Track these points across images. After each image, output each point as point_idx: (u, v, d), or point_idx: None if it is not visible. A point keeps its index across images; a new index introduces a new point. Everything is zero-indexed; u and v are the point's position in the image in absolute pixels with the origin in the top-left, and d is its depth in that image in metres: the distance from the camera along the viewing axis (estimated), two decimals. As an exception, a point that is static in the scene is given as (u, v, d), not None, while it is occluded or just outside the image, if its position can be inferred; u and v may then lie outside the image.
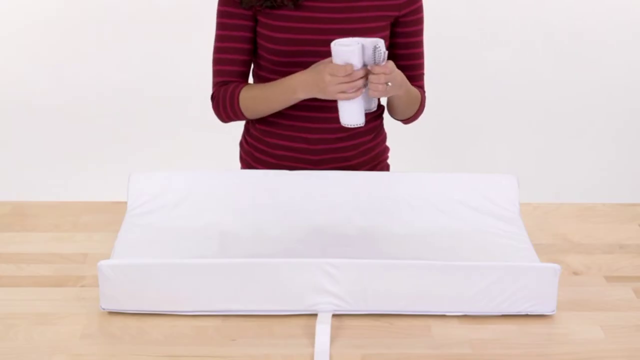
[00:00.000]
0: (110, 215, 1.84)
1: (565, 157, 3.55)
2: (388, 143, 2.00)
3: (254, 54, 1.82)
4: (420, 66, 1.87)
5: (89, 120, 3.49)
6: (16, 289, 1.59)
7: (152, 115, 3.47)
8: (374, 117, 1.90)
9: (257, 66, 1.84)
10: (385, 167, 2.00)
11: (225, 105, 1.79)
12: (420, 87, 1.88)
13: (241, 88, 1.78)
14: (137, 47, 3.46)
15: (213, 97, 1.82)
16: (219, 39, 1.79)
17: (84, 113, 3.49)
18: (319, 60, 1.73)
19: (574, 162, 3.54)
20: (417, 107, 1.86)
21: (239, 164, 2.01)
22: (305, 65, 1.75)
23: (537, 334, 1.48)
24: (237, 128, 2.03)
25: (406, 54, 1.83)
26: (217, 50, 1.79)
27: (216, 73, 1.81)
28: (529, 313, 1.51)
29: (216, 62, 1.80)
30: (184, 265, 1.48)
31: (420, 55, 1.85)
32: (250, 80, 1.88)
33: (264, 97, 1.76)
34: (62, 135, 3.47)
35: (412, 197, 1.75)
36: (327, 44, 1.72)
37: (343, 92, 1.63)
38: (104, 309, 1.50)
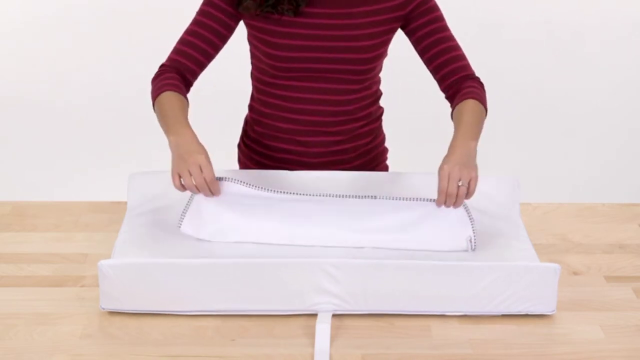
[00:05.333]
0: (110, 215, 1.84)
1: (565, 157, 3.55)
2: (387, 144, 2.00)
3: (254, 57, 1.83)
4: (455, 47, 1.78)
5: (89, 121, 3.49)
6: (16, 289, 1.59)
7: (153, 115, 3.47)
8: (374, 120, 1.90)
9: (257, 70, 1.83)
10: (384, 169, 1.99)
11: (152, 90, 1.75)
12: (467, 70, 1.78)
13: (169, 90, 1.71)
14: (138, 47, 3.46)
15: (158, 72, 1.77)
16: (195, 22, 1.76)
17: (84, 113, 3.49)
18: (320, 67, 1.74)
19: (574, 162, 3.54)
20: (485, 111, 1.75)
21: (237, 166, 2.01)
22: (306, 71, 1.75)
23: (537, 334, 1.48)
24: (235, 130, 2.03)
25: (433, 41, 1.76)
26: (189, 32, 1.76)
27: (176, 50, 1.77)
28: (528, 313, 1.51)
29: (182, 41, 1.77)
30: (184, 265, 1.48)
31: (449, 38, 1.77)
32: (247, 81, 1.89)
33: (161, 117, 1.70)
34: (63, 135, 3.47)
35: (412, 197, 1.75)
36: (328, 49, 1.73)
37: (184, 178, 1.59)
38: (103, 308, 1.50)
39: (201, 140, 1.62)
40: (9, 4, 3.42)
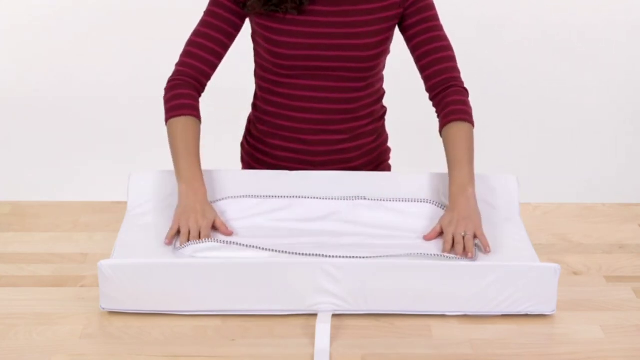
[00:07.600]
0: (110, 215, 1.84)
1: (565, 157, 3.55)
2: (389, 144, 2.00)
3: (257, 55, 1.83)
4: (445, 48, 1.77)
5: (89, 120, 3.49)
6: (16, 289, 1.59)
7: (153, 115, 3.46)
8: (377, 119, 1.90)
9: (260, 68, 1.83)
10: (387, 168, 1.99)
11: (167, 104, 1.74)
12: (452, 72, 1.78)
13: (185, 115, 1.71)
14: (138, 46, 3.46)
15: (173, 81, 1.76)
16: (203, 23, 1.76)
17: (84, 113, 3.49)
18: (323, 65, 1.74)
19: (574, 162, 3.54)
20: (473, 138, 1.75)
21: (240, 165, 2.01)
22: (309, 69, 1.75)
23: (537, 334, 1.48)
24: (238, 129, 2.03)
25: (424, 39, 1.77)
26: (197, 33, 1.76)
27: (186, 53, 1.77)
28: (528, 313, 1.51)
29: (191, 43, 1.77)
30: (184, 265, 1.48)
31: (441, 38, 1.77)
32: (251, 79, 1.89)
33: (173, 149, 1.70)
34: (62, 135, 3.47)
35: (413, 197, 1.75)
36: (331, 47, 1.73)
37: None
38: (104, 308, 1.50)
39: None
40: (9, 4, 3.42)
